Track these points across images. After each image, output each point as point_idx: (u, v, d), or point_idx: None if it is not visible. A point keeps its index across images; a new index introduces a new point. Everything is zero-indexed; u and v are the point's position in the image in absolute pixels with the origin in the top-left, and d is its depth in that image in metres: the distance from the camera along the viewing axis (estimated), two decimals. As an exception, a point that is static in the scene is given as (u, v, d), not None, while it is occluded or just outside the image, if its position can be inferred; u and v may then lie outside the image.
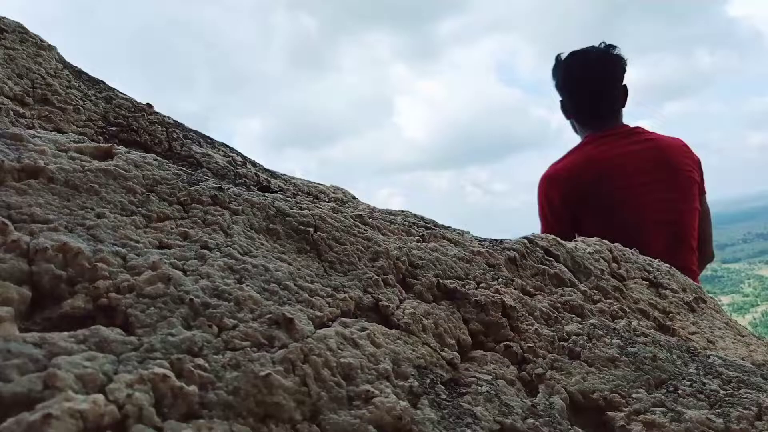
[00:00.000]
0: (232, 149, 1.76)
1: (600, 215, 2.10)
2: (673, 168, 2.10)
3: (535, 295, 0.92)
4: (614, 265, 1.51)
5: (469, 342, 0.72)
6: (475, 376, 0.66)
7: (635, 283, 1.47)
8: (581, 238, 1.60)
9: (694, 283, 1.65)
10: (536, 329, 0.79)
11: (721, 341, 1.23)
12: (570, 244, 1.41)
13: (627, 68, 2.22)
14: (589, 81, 2.17)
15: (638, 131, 2.16)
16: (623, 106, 2.25)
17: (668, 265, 1.65)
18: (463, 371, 0.67)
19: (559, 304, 0.92)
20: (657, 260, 1.65)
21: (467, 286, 0.81)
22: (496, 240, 1.16)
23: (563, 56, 2.22)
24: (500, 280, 0.89)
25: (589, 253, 1.42)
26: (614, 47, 2.16)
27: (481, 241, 1.13)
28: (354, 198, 1.72)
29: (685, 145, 2.19)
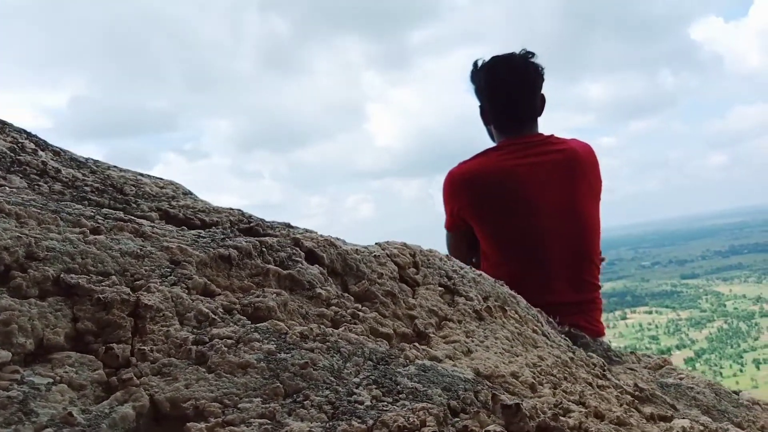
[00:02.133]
0: (30, 135, 1.65)
1: (498, 223, 2.07)
2: (580, 181, 2.06)
3: (219, 295, 0.85)
4: (411, 270, 1.46)
5: (59, 342, 0.65)
6: (28, 381, 0.59)
7: (427, 288, 1.42)
8: (386, 241, 1.55)
9: (507, 292, 1.61)
10: (169, 332, 0.72)
11: (483, 351, 1.18)
12: (353, 246, 1.35)
13: (545, 77, 2.17)
14: (510, 87, 2.13)
15: (551, 140, 2.13)
16: (540, 114, 2.22)
17: (478, 273, 1.61)
18: (20, 373, 0.59)
19: (249, 307, 0.86)
20: (468, 268, 1.61)
21: (104, 283, 0.74)
22: (264, 242, 1.09)
23: (484, 61, 2.17)
24: (171, 277, 0.83)
25: (375, 256, 1.37)
26: (534, 54, 2.13)
27: (222, 238, 1.06)
28: (188, 193, 1.63)
29: (593, 155, 2.15)
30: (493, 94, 2.15)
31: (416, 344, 1.08)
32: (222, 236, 1.03)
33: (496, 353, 1.19)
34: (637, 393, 1.34)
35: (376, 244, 1.48)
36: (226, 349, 0.72)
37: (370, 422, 0.66)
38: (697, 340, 58.05)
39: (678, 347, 56.59)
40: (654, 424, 1.20)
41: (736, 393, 1.63)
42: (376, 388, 0.77)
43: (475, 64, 2.16)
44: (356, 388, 0.75)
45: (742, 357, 50.92)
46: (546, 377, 1.15)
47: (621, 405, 1.21)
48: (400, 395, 0.78)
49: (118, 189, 1.43)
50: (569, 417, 0.93)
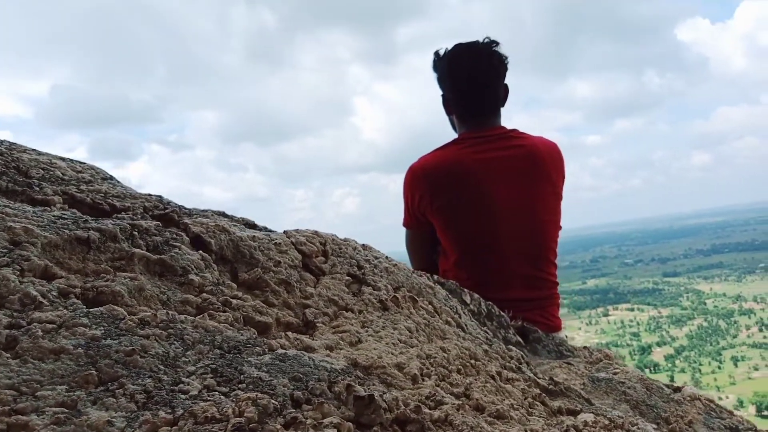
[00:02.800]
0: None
1: (455, 218, 2.02)
2: (540, 178, 2.02)
3: (61, 278, 0.80)
4: (319, 258, 1.41)
5: None
6: None
7: (333, 278, 1.38)
8: (296, 229, 1.50)
9: (424, 282, 1.57)
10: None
11: (374, 342, 1.14)
12: (250, 233, 1.31)
13: (509, 67, 2.12)
14: (472, 77, 2.07)
15: (513, 135, 2.07)
16: (503, 105, 2.17)
17: (394, 263, 1.57)
18: None
19: (91, 291, 0.81)
20: (383, 258, 1.57)
21: None
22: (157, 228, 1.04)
23: (447, 50, 2.11)
24: (5, 258, 0.78)
25: (276, 243, 1.33)
26: (497, 43, 2.07)
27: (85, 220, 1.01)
28: (108, 178, 1.57)
29: (557, 152, 2.10)
30: (455, 84, 2.10)
31: (296, 334, 1.04)
32: (85, 219, 0.98)
33: (387, 344, 1.14)
34: (551, 387, 1.31)
35: (283, 232, 1.44)
36: (42, 334, 0.67)
37: (180, 412, 0.62)
38: (677, 337, 58.84)
39: (658, 344, 57.33)
40: (555, 417, 1.17)
41: (679, 389, 1.61)
42: (211, 377, 0.72)
43: (437, 53, 2.11)
44: (188, 377, 0.71)
45: (720, 354, 51.70)
46: (437, 369, 1.11)
47: (526, 398, 1.18)
48: (240, 385, 0.73)
49: (23, 172, 1.37)
50: (438, 409, 0.89)
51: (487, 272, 1.97)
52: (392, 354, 1.10)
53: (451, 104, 2.14)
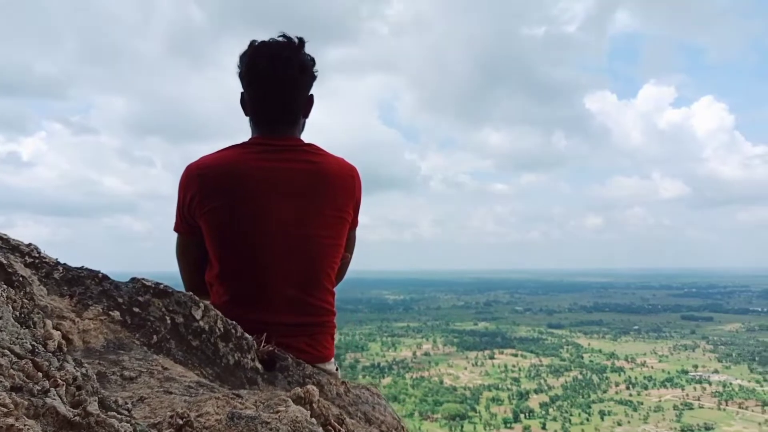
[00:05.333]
0: None
1: (224, 227, 1.81)
2: (325, 198, 1.85)
3: None
4: None
5: None
6: None
7: None
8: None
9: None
10: None
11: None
12: None
13: (317, 77, 1.94)
14: (270, 80, 1.87)
15: (307, 149, 1.90)
16: (306, 116, 2.00)
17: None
18: None
19: None
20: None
21: None
22: None
23: (254, 43, 1.89)
24: None
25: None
26: (303, 45, 1.88)
27: None
28: None
29: (351, 176, 1.94)
30: (252, 83, 1.90)
31: None
32: None
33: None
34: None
35: None
36: None
37: None
38: (554, 386, 61.39)
39: (536, 391, 59.53)
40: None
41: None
42: None
43: (252, 43, 1.89)
44: None
45: (590, 407, 54.34)
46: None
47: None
48: None
49: None
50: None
51: (250, 290, 1.79)
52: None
53: (247, 104, 1.96)
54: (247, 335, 1.48)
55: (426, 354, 76.21)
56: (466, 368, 69.14)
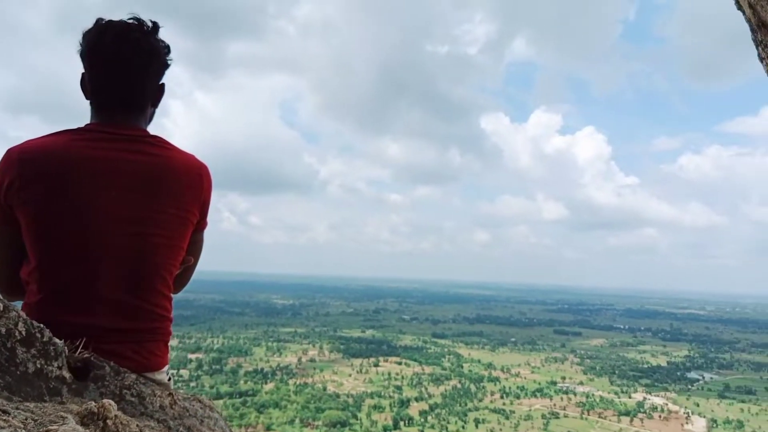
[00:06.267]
0: None
1: (43, 218, 1.60)
2: (167, 195, 1.69)
3: None
4: None
5: None
6: None
7: None
8: None
9: None
10: None
11: None
12: None
13: (171, 66, 1.80)
14: (122, 60, 1.69)
15: (152, 141, 1.73)
16: (154, 106, 1.83)
17: None
18: None
19: None
20: None
21: None
22: None
23: (100, 21, 1.69)
24: None
25: None
26: (157, 29, 1.72)
27: None
28: None
29: (200, 175, 1.79)
30: (94, 64, 1.73)
31: None
32: None
33: None
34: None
35: None
36: None
37: None
38: (434, 394, 63.03)
39: (417, 399, 60.81)
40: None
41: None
42: None
43: (98, 21, 1.72)
44: None
45: (466, 415, 56.33)
46: None
47: None
48: None
49: None
50: None
51: (69, 289, 1.61)
52: None
53: (87, 87, 1.78)
54: (56, 340, 1.32)
55: (311, 360, 75.60)
56: (350, 375, 69.31)
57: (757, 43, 2.30)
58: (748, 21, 2.24)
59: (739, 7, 2.26)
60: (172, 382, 1.76)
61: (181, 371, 62.21)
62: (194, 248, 1.86)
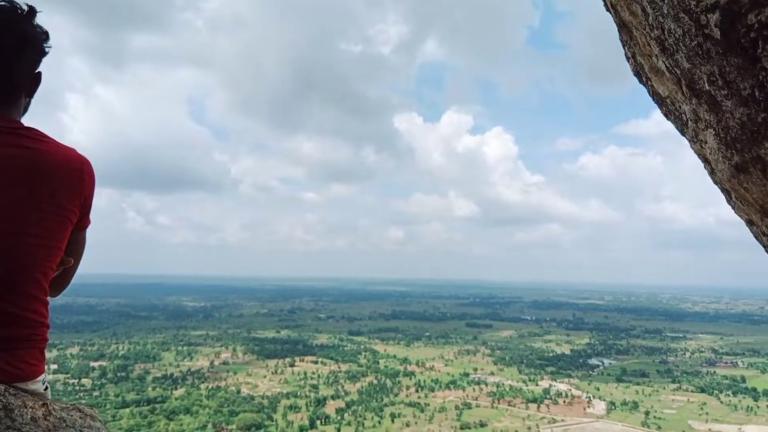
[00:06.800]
0: None
1: None
2: (41, 192, 1.54)
3: None
4: None
5: None
6: None
7: None
8: None
9: None
10: None
11: None
12: None
13: (49, 53, 1.63)
14: None
15: (24, 134, 1.57)
16: (29, 96, 1.67)
17: None
18: None
19: None
20: None
21: None
22: None
23: None
24: None
25: None
26: (34, 14, 1.57)
27: None
28: None
29: (80, 170, 1.65)
30: None
31: None
32: None
33: None
34: None
35: None
36: None
37: None
38: (350, 392, 63.22)
39: (333, 397, 60.76)
40: None
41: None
42: None
43: None
44: None
45: (382, 410, 56.92)
46: None
47: None
48: None
49: None
50: None
51: None
52: None
53: None
54: None
55: (224, 363, 73.64)
56: (265, 377, 68.16)
57: (623, 43, 2.40)
58: (615, 22, 2.32)
59: (608, 9, 2.33)
60: (49, 391, 1.60)
61: (83, 380, 58.79)
62: (74, 248, 1.72)
